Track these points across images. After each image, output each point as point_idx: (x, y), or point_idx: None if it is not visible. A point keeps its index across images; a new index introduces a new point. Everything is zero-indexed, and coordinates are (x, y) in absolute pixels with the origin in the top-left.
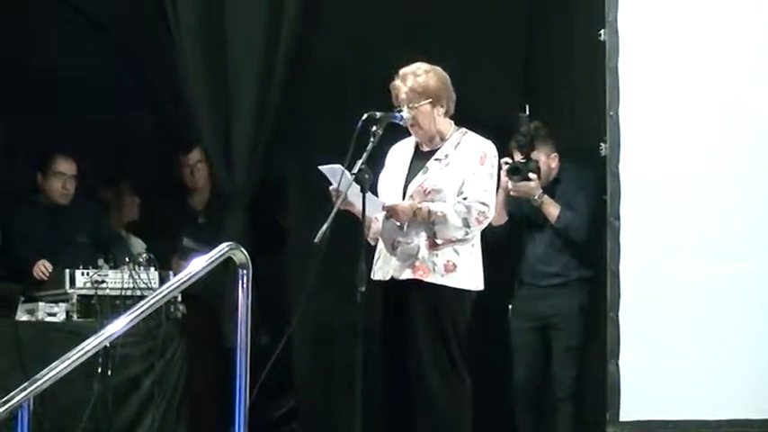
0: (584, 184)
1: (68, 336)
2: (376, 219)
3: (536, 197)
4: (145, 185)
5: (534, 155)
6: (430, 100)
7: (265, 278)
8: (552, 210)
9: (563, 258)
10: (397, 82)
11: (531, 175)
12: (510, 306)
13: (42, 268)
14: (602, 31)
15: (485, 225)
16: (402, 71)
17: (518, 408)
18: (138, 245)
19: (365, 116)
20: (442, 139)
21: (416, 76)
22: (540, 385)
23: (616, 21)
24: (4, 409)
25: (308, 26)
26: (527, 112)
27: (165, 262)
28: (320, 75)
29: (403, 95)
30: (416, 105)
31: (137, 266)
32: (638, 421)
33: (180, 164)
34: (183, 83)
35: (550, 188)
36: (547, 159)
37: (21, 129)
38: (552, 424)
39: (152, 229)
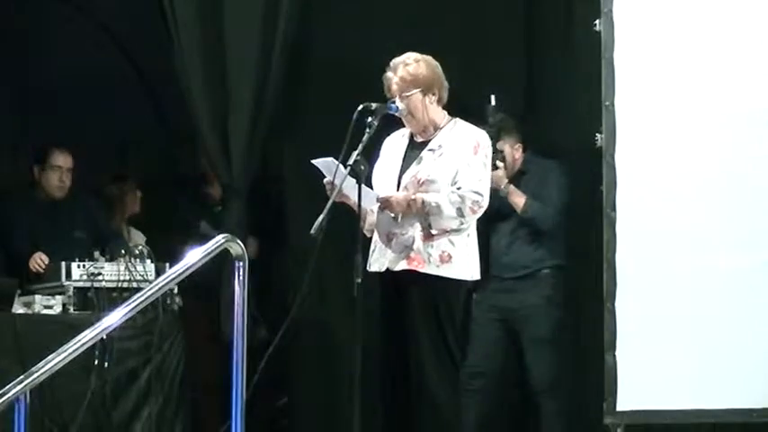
0: (550, 175)
1: (65, 328)
2: (371, 211)
3: (503, 186)
4: (146, 179)
5: (499, 145)
6: (421, 88)
7: (262, 271)
8: (518, 199)
9: (528, 249)
10: (389, 73)
11: (498, 164)
12: (474, 296)
13: (39, 261)
14: (597, 22)
15: (479, 214)
16: (393, 62)
17: (462, 390)
18: (138, 237)
19: (360, 107)
20: (436, 129)
21: (406, 65)
22: (501, 377)
23: (611, 11)
24: (0, 402)
25: (304, 20)
26: (493, 103)
27: (171, 254)
28: (317, 69)
29: (394, 86)
30: (408, 94)
31: (133, 259)
32: (636, 411)
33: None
34: (180, 77)
35: (515, 179)
36: (511, 150)
37: (20, 125)
38: (536, 420)
39: (156, 221)
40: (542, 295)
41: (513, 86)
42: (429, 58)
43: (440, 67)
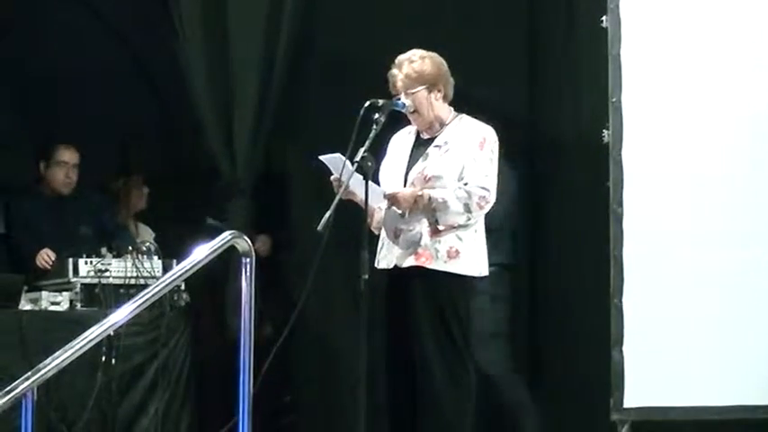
0: None
1: (72, 325)
2: (379, 208)
3: None
4: (152, 175)
5: None
6: (426, 85)
7: (269, 268)
8: None
9: None
10: (394, 70)
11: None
12: None
13: (46, 257)
14: (604, 18)
15: (486, 210)
16: (398, 59)
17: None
18: (146, 233)
19: (367, 104)
20: (442, 126)
21: (411, 62)
22: None
23: (618, 7)
24: (7, 398)
25: (309, 18)
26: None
27: (179, 249)
28: (321, 66)
29: (399, 83)
30: (413, 92)
31: (140, 255)
32: (642, 408)
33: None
34: (185, 75)
35: None
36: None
37: (26, 122)
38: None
39: (164, 217)
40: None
41: (519, 82)
42: (434, 54)
43: (445, 64)
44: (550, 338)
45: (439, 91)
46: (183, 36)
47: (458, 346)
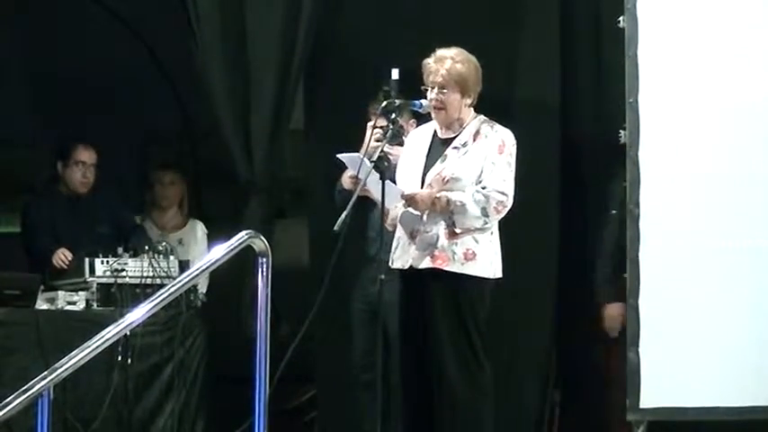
0: None
1: (88, 324)
2: (395, 206)
3: None
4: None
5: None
6: (461, 88)
7: (286, 267)
8: None
9: None
10: (432, 61)
11: (403, 139)
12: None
13: (62, 257)
14: (621, 19)
15: (503, 214)
16: (440, 52)
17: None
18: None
19: (385, 103)
20: (461, 126)
21: (455, 61)
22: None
23: (635, 8)
24: (24, 397)
25: (326, 18)
26: (395, 77)
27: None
28: (339, 68)
29: (439, 78)
30: (447, 91)
31: (156, 255)
32: (659, 408)
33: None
34: (202, 76)
35: None
36: (407, 126)
37: (44, 121)
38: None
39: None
40: None
41: (542, 85)
42: (474, 59)
43: (480, 70)
44: (567, 339)
45: (469, 97)
46: (200, 36)
47: (474, 345)
